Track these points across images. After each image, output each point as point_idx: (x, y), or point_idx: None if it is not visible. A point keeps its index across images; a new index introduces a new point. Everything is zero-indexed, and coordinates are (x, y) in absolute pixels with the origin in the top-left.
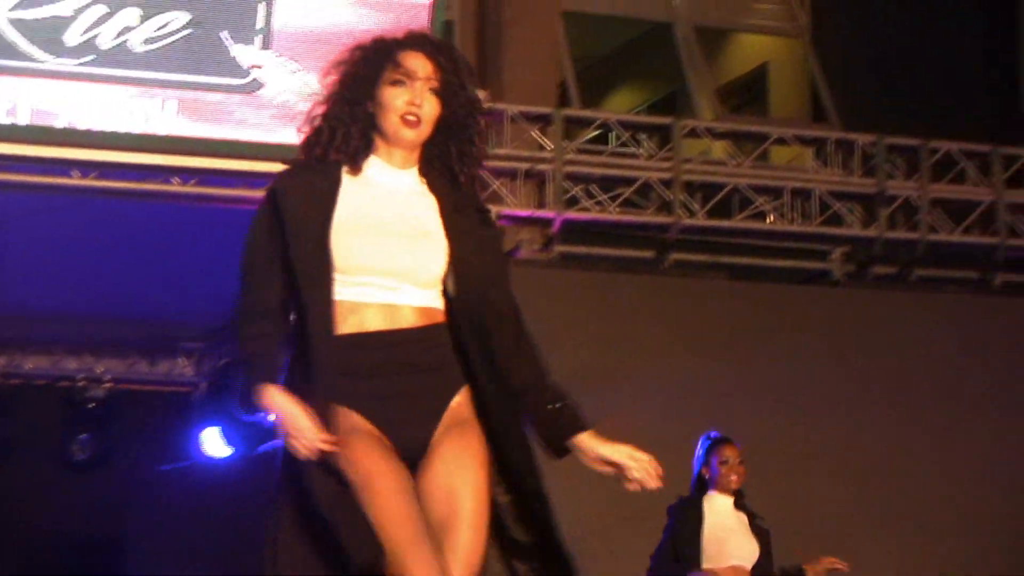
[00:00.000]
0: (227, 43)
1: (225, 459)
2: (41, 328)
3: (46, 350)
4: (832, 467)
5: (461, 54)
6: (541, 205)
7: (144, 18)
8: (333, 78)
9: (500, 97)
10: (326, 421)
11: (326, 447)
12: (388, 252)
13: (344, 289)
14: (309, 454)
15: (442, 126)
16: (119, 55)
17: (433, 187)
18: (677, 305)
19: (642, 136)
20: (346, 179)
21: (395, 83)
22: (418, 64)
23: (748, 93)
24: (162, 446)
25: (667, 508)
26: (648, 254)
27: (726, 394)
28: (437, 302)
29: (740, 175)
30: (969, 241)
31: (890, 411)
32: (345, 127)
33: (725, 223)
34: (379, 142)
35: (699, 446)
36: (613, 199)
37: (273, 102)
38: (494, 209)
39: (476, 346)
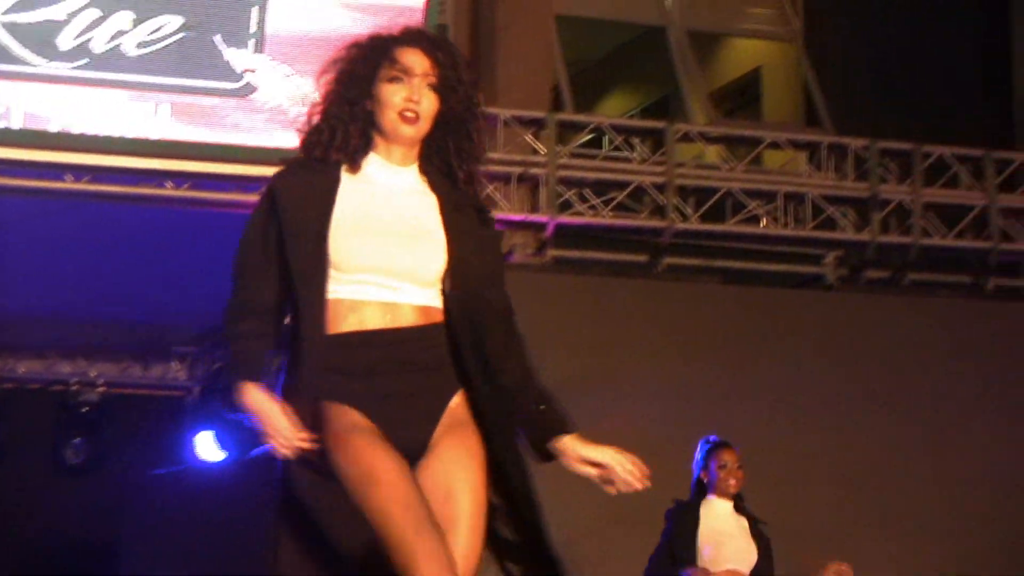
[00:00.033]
0: (220, 47)
1: (219, 463)
2: (34, 332)
3: (39, 354)
4: (826, 470)
5: (458, 49)
6: (534, 209)
7: (137, 22)
8: (330, 76)
9: (493, 101)
10: (324, 419)
11: (305, 446)
12: (387, 251)
13: (344, 287)
14: (288, 453)
15: (441, 122)
16: (112, 59)
17: (434, 185)
18: (671, 309)
19: (635, 140)
20: (345, 178)
21: (393, 80)
22: (415, 60)
23: (741, 97)
24: (156, 450)
25: (665, 512)
26: (641, 258)
27: (720, 398)
28: (436, 301)
29: (733, 179)
30: (962, 245)
31: (884, 415)
32: (344, 126)
33: (718, 227)
34: (378, 140)
35: (698, 450)
36: (606, 203)
37: (266, 106)
38: None
39: (471, 346)
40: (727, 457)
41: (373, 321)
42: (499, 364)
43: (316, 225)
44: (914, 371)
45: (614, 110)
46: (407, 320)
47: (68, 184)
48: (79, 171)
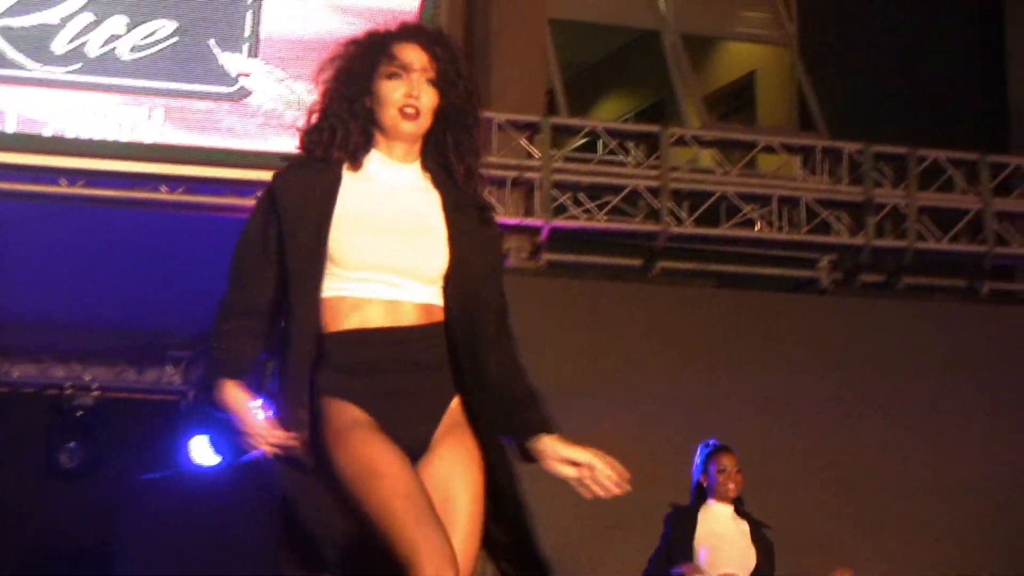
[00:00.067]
0: (215, 51)
1: (213, 467)
2: (29, 336)
3: (34, 358)
4: (822, 474)
5: (457, 43)
6: (529, 213)
7: (131, 26)
8: (328, 75)
9: (488, 105)
10: (324, 415)
11: (280, 445)
12: (389, 248)
13: (346, 285)
14: (266, 452)
15: (440, 117)
16: (106, 63)
17: (436, 182)
18: (665, 313)
19: (630, 144)
20: (347, 176)
21: (391, 76)
22: (413, 55)
23: (736, 101)
24: (150, 454)
25: (664, 516)
26: (636, 262)
27: (714, 402)
28: (438, 299)
29: (728, 183)
30: (957, 249)
31: (879, 419)
32: (344, 124)
33: (713, 231)
34: (379, 137)
35: (697, 455)
36: (601, 207)
37: (260, 110)
38: None
39: (466, 347)
40: (726, 461)
41: (376, 319)
42: (485, 357)
43: (315, 224)
44: (909, 375)
45: (608, 114)
46: (409, 319)
47: (63, 188)
48: (73, 175)
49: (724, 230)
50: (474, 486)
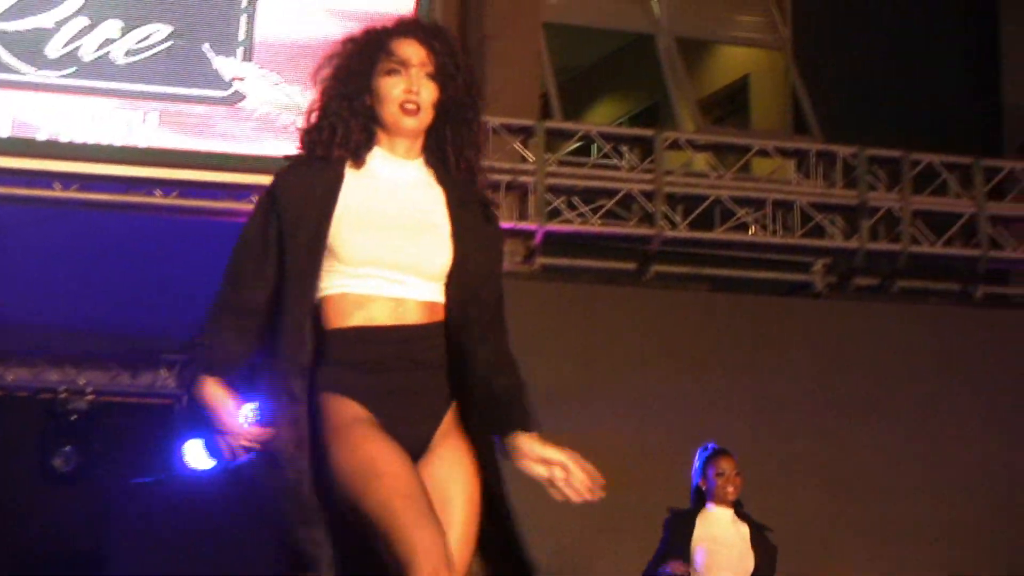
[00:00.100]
0: (209, 55)
1: (208, 471)
2: (23, 340)
3: (28, 362)
4: (815, 478)
5: (454, 36)
6: (523, 217)
7: (125, 30)
8: (327, 73)
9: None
10: (324, 411)
11: (256, 442)
12: (392, 244)
13: (350, 282)
14: (240, 448)
15: (441, 111)
16: (101, 67)
17: (440, 178)
18: (659, 317)
19: (624, 148)
20: (349, 173)
21: (391, 73)
22: (411, 51)
23: (730, 105)
24: (145, 458)
25: (664, 521)
26: (630, 266)
27: (709, 405)
28: (441, 296)
29: (722, 187)
30: (951, 253)
31: (873, 422)
32: (344, 123)
33: (707, 235)
34: (381, 134)
35: (696, 458)
36: (595, 211)
37: (255, 114)
38: None
39: (457, 343)
40: (725, 465)
41: (381, 317)
42: (474, 354)
43: (315, 223)
44: (903, 378)
45: (602, 118)
46: (414, 317)
47: (57, 192)
48: (68, 179)
49: (718, 234)
50: (472, 489)
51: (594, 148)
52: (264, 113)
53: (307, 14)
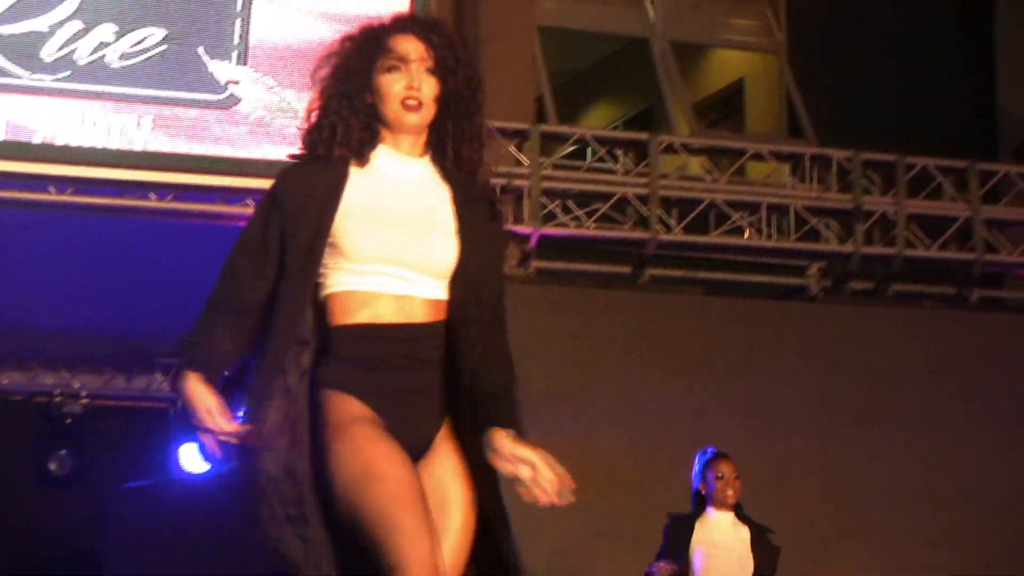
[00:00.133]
0: (203, 59)
1: (203, 474)
2: (17, 343)
3: (22, 365)
4: (810, 482)
5: (452, 30)
6: (518, 221)
7: (120, 34)
8: (325, 72)
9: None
10: (325, 408)
11: (233, 437)
12: (397, 241)
13: (355, 279)
14: (213, 443)
15: (442, 105)
16: (95, 71)
17: (446, 176)
18: (654, 321)
19: (619, 151)
20: (354, 172)
21: (390, 69)
22: (410, 47)
23: (724, 108)
24: (140, 461)
25: (663, 527)
26: (625, 269)
27: (703, 409)
28: (445, 294)
29: (717, 190)
30: (946, 256)
31: (868, 426)
32: (345, 122)
33: (702, 239)
34: (384, 132)
35: (696, 462)
36: (590, 215)
37: (249, 118)
38: None
39: (457, 343)
40: (724, 468)
41: (387, 315)
42: (469, 351)
43: (315, 223)
44: (898, 382)
45: (597, 121)
46: (419, 315)
47: (51, 196)
48: (62, 183)
49: (713, 237)
50: (470, 495)
51: (589, 152)
52: (259, 117)
53: (302, 18)
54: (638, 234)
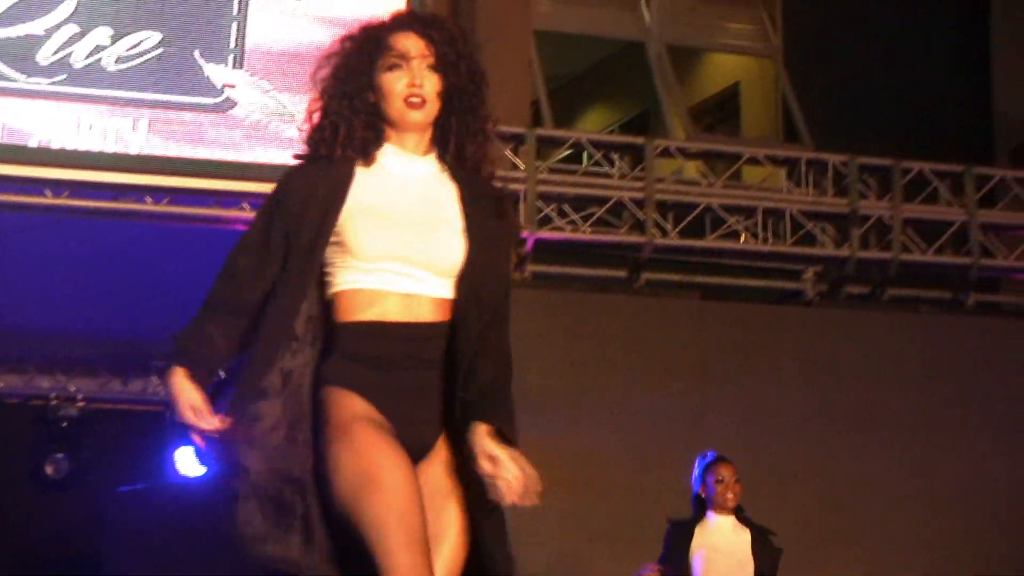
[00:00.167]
0: (199, 62)
1: (199, 478)
2: (13, 346)
3: (18, 368)
4: (806, 486)
5: (453, 24)
6: None
7: (116, 38)
8: (326, 72)
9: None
10: (327, 405)
11: (213, 431)
12: (402, 240)
13: (363, 277)
14: (199, 438)
15: (445, 100)
16: (91, 74)
17: (454, 175)
18: (650, 325)
19: (615, 155)
20: (359, 171)
21: (392, 68)
22: (410, 44)
23: (720, 112)
24: (136, 465)
25: (665, 532)
26: (621, 273)
27: (699, 413)
28: (451, 293)
29: (713, 195)
30: (942, 261)
31: (864, 430)
32: (347, 122)
33: (698, 243)
34: (388, 131)
35: (696, 466)
36: (586, 218)
37: (246, 121)
38: None
39: (456, 342)
40: (724, 471)
41: (394, 313)
42: (467, 350)
43: (316, 223)
44: (894, 386)
45: (593, 125)
46: (426, 314)
47: (48, 199)
48: (58, 186)
49: (709, 242)
50: (466, 500)
51: (585, 156)
52: (255, 120)
53: (298, 22)
54: (634, 238)
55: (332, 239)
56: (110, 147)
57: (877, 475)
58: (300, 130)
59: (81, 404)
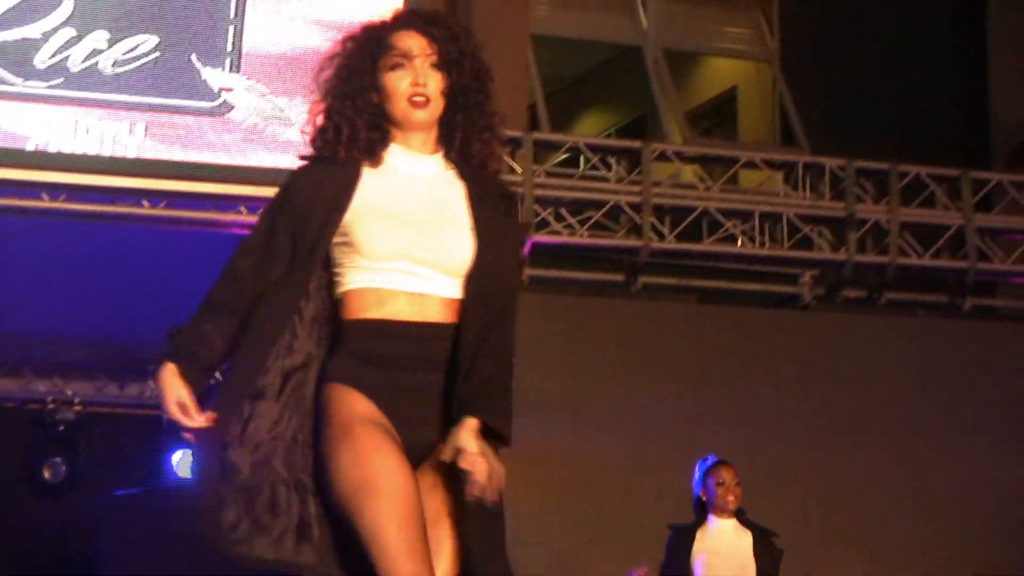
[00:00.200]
0: (196, 66)
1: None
2: (10, 350)
3: (15, 372)
4: (803, 490)
5: (456, 21)
6: None
7: (112, 41)
8: (328, 73)
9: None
10: (329, 402)
11: (200, 426)
12: (409, 239)
13: (372, 276)
14: (190, 436)
15: (450, 98)
16: (88, 78)
17: (461, 173)
18: (647, 328)
19: (612, 159)
20: (367, 172)
21: (394, 67)
22: (412, 43)
23: (717, 116)
24: (133, 468)
25: (667, 537)
26: (618, 277)
27: (696, 417)
28: (460, 293)
29: (710, 199)
30: (939, 265)
31: (860, 434)
32: (350, 122)
33: (695, 247)
34: (394, 130)
35: (696, 470)
36: (583, 222)
37: (242, 125)
38: None
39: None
40: (725, 474)
41: (402, 312)
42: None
43: (319, 223)
44: (891, 390)
45: (590, 129)
46: (434, 315)
47: (44, 203)
48: (55, 190)
49: (706, 246)
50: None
51: (582, 160)
52: (252, 124)
53: (295, 26)
54: (631, 242)
55: (340, 239)
56: (107, 151)
57: (875, 477)
58: (304, 132)
59: (78, 408)
